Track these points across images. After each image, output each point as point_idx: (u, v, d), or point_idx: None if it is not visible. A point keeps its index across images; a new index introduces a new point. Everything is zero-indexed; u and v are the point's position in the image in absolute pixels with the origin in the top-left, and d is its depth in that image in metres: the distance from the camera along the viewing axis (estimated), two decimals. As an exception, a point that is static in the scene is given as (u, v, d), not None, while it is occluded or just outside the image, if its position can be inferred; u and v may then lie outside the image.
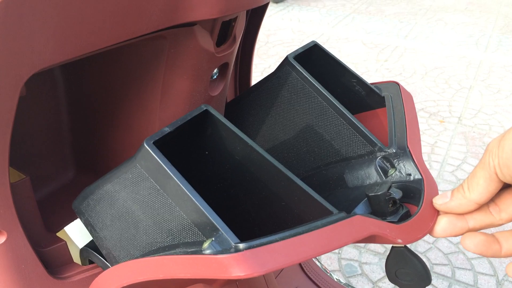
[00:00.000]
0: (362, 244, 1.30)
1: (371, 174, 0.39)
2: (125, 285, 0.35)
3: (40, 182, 0.58)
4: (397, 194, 0.35)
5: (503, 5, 3.57)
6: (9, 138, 0.38)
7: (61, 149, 0.60)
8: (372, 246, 1.31)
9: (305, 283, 0.77)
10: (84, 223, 0.46)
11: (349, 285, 0.80)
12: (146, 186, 0.35)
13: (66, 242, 0.50)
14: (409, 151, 0.38)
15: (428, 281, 0.38)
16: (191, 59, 0.46)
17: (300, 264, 0.79)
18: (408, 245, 0.38)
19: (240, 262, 0.27)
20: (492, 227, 0.37)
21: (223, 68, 0.54)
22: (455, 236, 0.36)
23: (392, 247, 0.38)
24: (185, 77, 0.47)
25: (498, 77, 2.37)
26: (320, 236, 0.29)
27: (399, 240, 0.33)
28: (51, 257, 0.47)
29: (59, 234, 0.54)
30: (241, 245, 0.29)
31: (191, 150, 0.40)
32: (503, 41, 2.86)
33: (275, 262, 0.27)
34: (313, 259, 0.82)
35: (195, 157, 0.40)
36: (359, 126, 0.41)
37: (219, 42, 0.50)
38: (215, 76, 0.54)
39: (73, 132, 0.59)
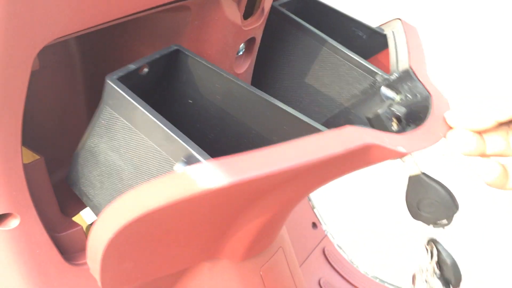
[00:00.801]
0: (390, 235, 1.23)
1: (378, 106, 0.35)
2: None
3: (56, 163, 0.56)
4: (400, 110, 0.31)
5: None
6: (21, 115, 0.36)
7: (77, 129, 0.58)
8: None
9: (330, 274, 0.72)
10: (79, 195, 0.44)
11: (377, 278, 0.74)
12: (119, 127, 0.32)
13: (82, 227, 0.48)
14: (413, 72, 0.34)
15: (455, 207, 0.34)
16: (217, 32, 0.43)
17: (325, 255, 0.74)
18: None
19: (209, 171, 0.23)
20: (507, 156, 0.32)
21: (250, 43, 0.50)
22: (468, 154, 0.31)
23: (409, 177, 0.34)
24: (209, 52, 0.44)
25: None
26: (303, 145, 0.25)
27: (400, 149, 0.28)
28: (67, 242, 0.45)
29: (75, 218, 0.52)
30: (214, 160, 0.25)
31: (171, 99, 0.37)
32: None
33: (250, 170, 0.23)
34: (339, 250, 0.77)
35: (176, 104, 0.36)
36: (354, 57, 0.37)
37: (247, 15, 0.47)
38: (241, 52, 0.51)
39: (90, 110, 0.57)
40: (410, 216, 0.36)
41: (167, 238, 0.36)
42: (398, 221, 1.28)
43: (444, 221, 0.35)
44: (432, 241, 0.37)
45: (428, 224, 0.35)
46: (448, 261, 0.36)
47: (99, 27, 0.36)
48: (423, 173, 0.34)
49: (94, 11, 0.34)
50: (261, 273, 0.53)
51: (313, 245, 0.72)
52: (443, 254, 0.36)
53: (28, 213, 0.41)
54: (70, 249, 0.45)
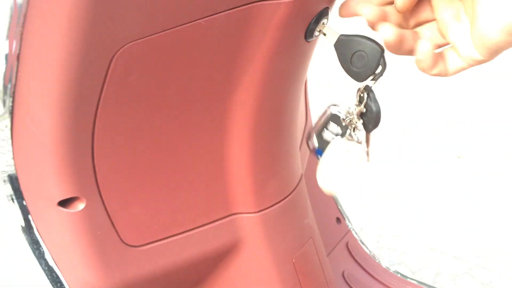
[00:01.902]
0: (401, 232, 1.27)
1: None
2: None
3: None
4: None
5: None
6: (94, 110, 0.40)
7: None
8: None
9: (353, 268, 0.76)
10: None
11: (398, 272, 0.78)
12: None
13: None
14: None
15: (380, 48, 0.40)
16: None
17: (348, 249, 0.77)
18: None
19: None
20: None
21: None
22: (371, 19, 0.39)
23: (334, 46, 0.41)
24: None
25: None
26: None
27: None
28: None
29: None
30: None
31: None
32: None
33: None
34: (362, 245, 0.80)
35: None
36: None
37: None
38: None
39: None
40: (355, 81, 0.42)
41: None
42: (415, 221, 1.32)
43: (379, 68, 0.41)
44: (366, 89, 0.42)
45: (367, 76, 0.41)
46: (374, 108, 0.42)
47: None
48: (342, 34, 0.41)
49: (176, 11, 0.36)
50: (293, 260, 0.57)
51: (337, 239, 0.76)
52: (373, 102, 0.42)
53: (93, 197, 0.44)
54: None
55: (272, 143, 0.50)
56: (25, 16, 0.33)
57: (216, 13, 0.37)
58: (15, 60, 0.35)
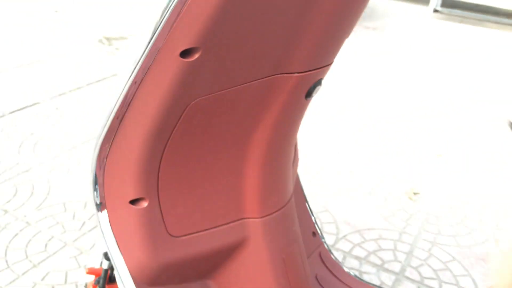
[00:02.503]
0: (363, 255, 1.48)
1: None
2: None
3: None
4: None
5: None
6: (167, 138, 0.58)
7: None
8: (371, 258, 1.48)
9: (324, 272, 0.96)
10: None
11: (357, 276, 0.98)
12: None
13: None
14: None
15: None
16: None
17: (321, 258, 0.97)
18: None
19: None
20: None
21: None
22: None
23: None
24: None
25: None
26: None
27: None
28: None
29: None
30: None
31: None
32: None
33: None
34: (331, 255, 1.00)
35: None
36: None
37: None
38: None
39: None
40: None
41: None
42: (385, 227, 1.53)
43: None
44: None
45: None
46: None
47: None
48: None
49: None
50: (283, 257, 0.76)
51: (313, 249, 0.96)
52: None
53: (154, 199, 0.63)
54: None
55: (276, 167, 0.70)
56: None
57: (254, 80, 0.58)
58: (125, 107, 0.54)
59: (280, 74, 0.60)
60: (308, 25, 0.55)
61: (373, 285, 0.93)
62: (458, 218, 1.71)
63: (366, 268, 1.43)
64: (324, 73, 0.65)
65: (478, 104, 2.74)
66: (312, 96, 0.66)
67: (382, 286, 0.93)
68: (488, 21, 4.81)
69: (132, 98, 0.53)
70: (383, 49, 3.65)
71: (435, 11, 4.75)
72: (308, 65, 0.60)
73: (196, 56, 0.50)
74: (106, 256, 0.88)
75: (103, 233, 0.63)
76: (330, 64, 0.64)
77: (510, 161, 2.14)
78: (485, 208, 1.78)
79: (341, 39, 0.62)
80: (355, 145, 2.18)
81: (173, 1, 0.47)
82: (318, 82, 0.64)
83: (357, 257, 1.47)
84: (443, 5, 5.03)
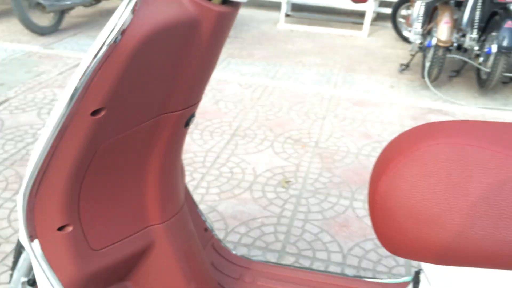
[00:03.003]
0: (250, 242, 1.74)
1: None
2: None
3: None
4: None
5: (348, 48, 4.40)
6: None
7: None
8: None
9: (218, 258, 1.18)
10: None
11: (244, 256, 1.22)
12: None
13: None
14: None
15: None
16: None
17: (213, 247, 1.19)
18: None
19: None
20: None
21: None
22: None
23: None
24: None
25: (344, 108, 3.04)
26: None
27: None
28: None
29: None
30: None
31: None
32: (347, 78, 3.60)
33: None
34: (221, 243, 1.23)
35: None
36: None
37: None
38: None
39: None
40: None
41: None
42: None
43: None
44: None
45: None
46: None
47: None
48: None
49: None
50: (184, 250, 0.96)
51: (207, 242, 1.18)
52: None
53: (76, 224, 0.80)
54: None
55: (169, 182, 0.91)
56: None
57: (146, 121, 0.78)
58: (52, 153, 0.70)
59: (165, 113, 0.80)
60: (181, 77, 0.77)
61: (260, 261, 1.18)
62: (322, 197, 2.07)
63: (254, 252, 1.70)
64: (196, 107, 0.87)
65: (314, 88, 3.20)
66: (190, 125, 0.88)
67: (268, 261, 1.18)
68: (332, 20, 5.45)
69: (55, 148, 0.70)
70: (246, 53, 4.00)
71: (287, 15, 5.26)
72: (185, 104, 0.82)
73: (103, 113, 0.68)
74: (29, 283, 1.00)
75: (36, 259, 0.78)
76: (200, 100, 0.87)
77: (363, 143, 2.59)
78: (342, 185, 2.16)
79: (207, 81, 0.84)
80: (226, 148, 2.45)
81: (85, 73, 0.65)
82: (193, 114, 0.86)
83: (245, 245, 1.73)
84: (293, 9, 5.57)
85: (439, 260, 0.63)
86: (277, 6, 5.81)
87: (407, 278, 1.09)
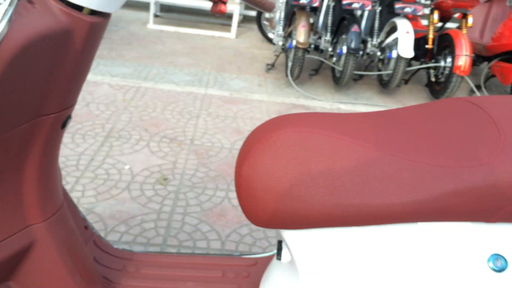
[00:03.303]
0: (130, 239, 1.78)
1: None
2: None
3: None
4: None
5: (217, 49, 4.57)
6: None
7: None
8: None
9: (99, 253, 1.22)
10: None
11: (125, 249, 1.28)
12: None
13: None
14: None
15: None
16: None
17: (95, 242, 1.23)
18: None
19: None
20: None
21: None
22: None
23: None
24: None
25: (216, 106, 3.18)
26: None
27: None
28: None
29: None
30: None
31: None
32: (218, 78, 3.76)
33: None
34: (101, 238, 1.27)
35: None
36: None
37: None
38: None
39: None
40: None
41: None
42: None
43: None
44: None
45: None
46: None
47: None
48: None
49: None
50: (67, 246, 1.00)
51: (88, 238, 1.21)
52: None
53: None
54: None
55: (47, 181, 0.93)
56: None
57: (23, 123, 0.81)
58: None
59: (41, 116, 0.84)
60: (56, 82, 0.81)
61: (142, 251, 1.25)
62: (200, 190, 2.18)
63: (136, 248, 1.75)
64: (72, 109, 0.92)
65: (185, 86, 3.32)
66: (66, 126, 0.93)
67: (150, 251, 1.25)
68: (201, 22, 5.59)
69: None
70: (116, 53, 3.94)
71: (156, 16, 5.27)
72: (61, 107, 0.86)
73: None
74: None
75: None
76: (76, 102, 0.92)
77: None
78: (218, 178, 2.30)
79: (82, 84, 0.90)
80: (100, 150, 2.44)
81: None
82: (69, 116, 0.91)
83: (126, 242, 1.77)
84: (162, 10, 5.59)
85: (292, 225, 0.78)
86: (145, 7, 5.78)
87: (275, 251, 1.25)
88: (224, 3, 0.87)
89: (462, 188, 0.69)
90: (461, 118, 0.80)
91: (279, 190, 0.76)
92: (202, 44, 4.69)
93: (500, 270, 0.70)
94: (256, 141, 0.80)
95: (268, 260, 1.20)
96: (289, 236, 0.81)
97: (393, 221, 0.73)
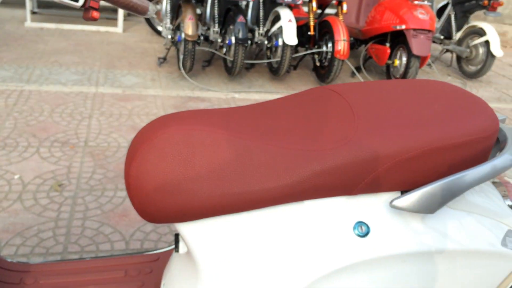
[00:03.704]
0: (28, 251, 1.72)
1: None
2: None
3: None
4: None
5: (105, 45, 4.43)
6: None
7: None
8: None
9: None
10: None
11: (20, 262, 1.24)
12: None
13: None
14: None
15: None
16: None
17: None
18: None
19: None
20: None
21: None
22: None
23: None
24: None
25: (109, 105, 3.11)
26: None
27: None
28: None
29: None
30: None
31: None
32: (109, 75, 3.66)
33: None
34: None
35: None
36: None
37: None
38: None
39: None
40: None
41: None
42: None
43: None
44: None
45: None
46: None
47: None
48: None
49: None
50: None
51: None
52: None
53: None
54: None
55: None
56: None
57: None
58: None
59: None
60: None
61: (40, 262, 1.23)
62: (99, 193, 2.15)
63: (35, 259, 1.69)
64: None
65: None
66: None
67: (49, 260, 1.23)
68: (85, 17, 5.33)
69: None
70: (-8, 58, 3.65)
71: (34, 13, 4.94)
72: None
73: None
74: None
75: None
76: None
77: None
78: (117, 178, 2.28)
79: None
80: (-9, 160, 2.29)
81: None
82: None
83: (24, 255, 1.70)
84: (40, 6, 5.25)
85: (184, 218, 0.84)
86: (20, 3, 5.38)
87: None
88: (96, 9, 0.88)
89: (327, 167, 0.79)
90: (324, 105, 0.91)
91: (168, 187, 0.81)
92: (88, 40, 4.51)
93: (364, 235, 0.83)
94: (142, 141, 0.84)
95: (169, 254, 1.25)
96: (183, 228, 0.87)
97: (273, 203, 0.82)
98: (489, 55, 4.33)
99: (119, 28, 4.89)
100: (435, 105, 0.87)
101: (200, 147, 0.82)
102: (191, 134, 0.83)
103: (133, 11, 0.95)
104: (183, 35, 3.48)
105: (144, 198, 0.82)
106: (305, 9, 5.48)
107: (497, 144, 0.95)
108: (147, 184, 0.81)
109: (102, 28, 4.88)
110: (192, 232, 0.87)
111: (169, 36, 3.80)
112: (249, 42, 3.85)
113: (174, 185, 0.81)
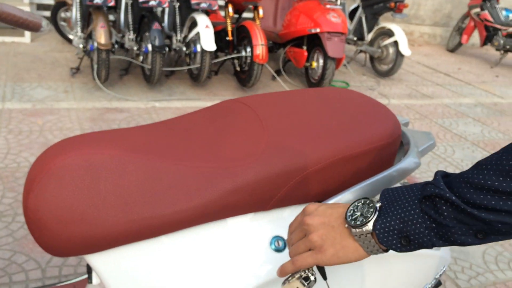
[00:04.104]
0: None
1: None
2: None
3: None
4: None
5: (11, 56, 4.13)
6: None
7: None
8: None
9: None
10: None
11: None
12: None
13: None
14: None
15: None
16: None
17: None
18: None
19: None
20: None
21: None
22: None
23: None
24: None
25: (17, 121, 2.90)
26: None
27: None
28: None
29: None
30: None
31: None
32: (16, 89, 3.42)
33: None
34: None
35: None
36: None
37: None
38: None
39: None
40: None
41: None
42: None
43: None
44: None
45: None
46: None
47: None
48: None
49: None
50: None
51: None
52: None
53: None
54: None
55: None
56: None
57: None
58: None
59: None
60: None
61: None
62: (10, 219, 1.98)
63: None
64: None
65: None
66: None
67: None
68: None
69: None
70: None
71: None
72: None
73: None
74: None
75: None
76: None
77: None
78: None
79: None
80: None
81: None
82: None
83: None
84: None
85: (91, 249, 0.78)
86: None
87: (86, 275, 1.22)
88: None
89: (238, 185, 0.78)
90: (235, 119, 0.90)
91: (71, 217, 0.75)
92: (-9, 52, 4.19)
93: (281, 249, 0.82)
94: (40, 170, 0.78)
95: (85, 283, 1.17)
96: (93, 260, 0.82)
97: (189, 224, 0.79)
98: (399, 55, 4.59)
99: (26, 38, 4.59)
100: (341, 114, 0.88)
101: (103, 172, 0.77)
102: (93, 158, 0.78)
103: (24, 27, 0.88)
104: (95, 44, 3.33)
105: (46, 231, 0.76)
106: (223, 13, 5.49)
107: (402, 147, 0.99)
108: (47, 216, 0.75)
109: (8, 39, 4.56)
110: (102, 263, 0.81)
111: (81, 45, 3.63)
112: (167, 49, 3.77)
113: (78, 214, 0.75)
